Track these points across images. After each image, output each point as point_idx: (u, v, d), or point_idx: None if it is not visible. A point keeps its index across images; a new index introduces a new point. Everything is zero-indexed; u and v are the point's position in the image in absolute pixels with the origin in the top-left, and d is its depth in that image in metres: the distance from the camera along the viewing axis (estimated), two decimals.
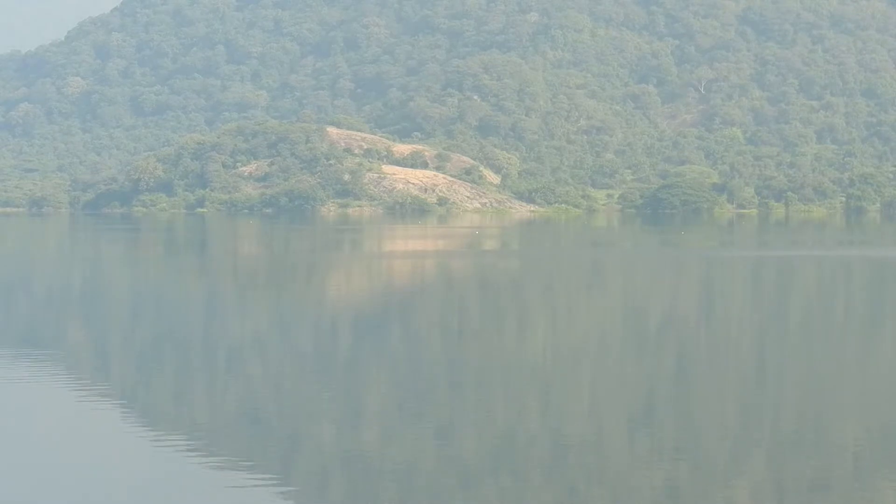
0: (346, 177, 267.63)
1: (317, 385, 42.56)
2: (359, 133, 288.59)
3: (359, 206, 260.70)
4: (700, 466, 29.57)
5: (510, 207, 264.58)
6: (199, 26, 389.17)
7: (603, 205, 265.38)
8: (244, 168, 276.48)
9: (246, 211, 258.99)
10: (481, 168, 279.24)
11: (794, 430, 34.24)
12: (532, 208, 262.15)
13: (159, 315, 67.39)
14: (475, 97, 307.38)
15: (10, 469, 29.56)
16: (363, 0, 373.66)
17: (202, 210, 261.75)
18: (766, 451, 31.30)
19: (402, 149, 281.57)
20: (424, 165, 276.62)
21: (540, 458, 30.59)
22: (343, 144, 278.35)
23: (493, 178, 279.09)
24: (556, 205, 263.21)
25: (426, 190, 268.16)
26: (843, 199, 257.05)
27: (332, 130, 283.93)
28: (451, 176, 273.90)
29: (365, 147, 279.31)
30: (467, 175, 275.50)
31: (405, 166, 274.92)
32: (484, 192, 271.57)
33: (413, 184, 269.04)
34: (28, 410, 37.44)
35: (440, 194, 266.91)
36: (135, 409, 37.41)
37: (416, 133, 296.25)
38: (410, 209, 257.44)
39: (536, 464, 29.97)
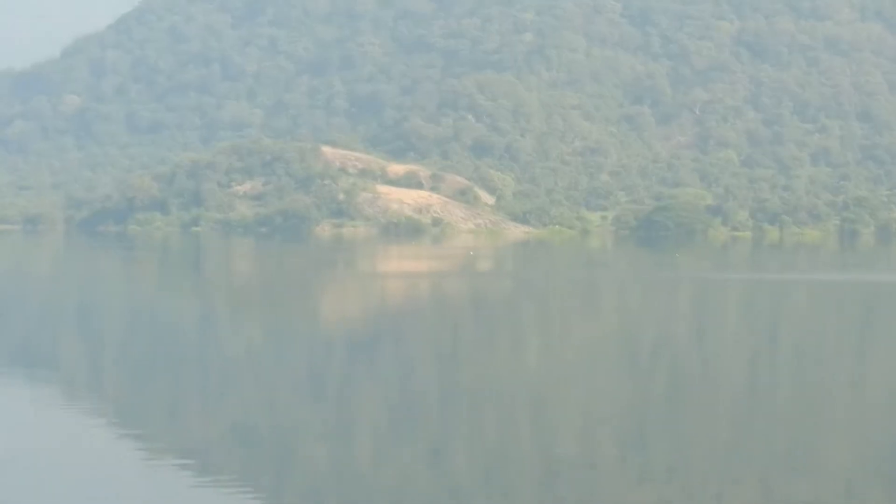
0: (341, 196, 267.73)
1: (310, 404, 42.67)
2: (353, 153, 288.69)
3: (353, 226, 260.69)
4: (692, 487, 29.70)
5: (504, 228, 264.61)
6: (195, 43, 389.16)
7: (597, 226, 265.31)
8: (239, 187, 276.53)
9: (241, 230, 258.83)
10: (476, 189, 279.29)
11: (785, 451, 34.36)
12: (526, 229, 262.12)
13: (153, 334, 67.43)
14: (470, 117, 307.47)
15: (8, 485, 29.63)
16: (358, 19, 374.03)
17: (197, 229, 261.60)
18: (757, 473, 31.42)
19: (396, 169, 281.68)
20: (419, 186, 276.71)
21: (531, 478, 30.69)
22: (338, 164, 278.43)
23: (488, 199, 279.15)
24: (551, 226, 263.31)
25: (420, 210, 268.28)
26: (838, 222, 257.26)
27: (327, 150, 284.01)
28: (445, 196, 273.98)
29: (360, 167, 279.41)
30: (462, 196, 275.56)
31: (400, 186, 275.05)
32: (478, 213, 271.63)
33: (407, 204, 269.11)
34: (23, 428, 37.51)
35: (434, 215, 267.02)
36: (128, 426, 37.48)
37: (410, 153, 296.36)
38: (405, 229, 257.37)
39: (527, 484, 30.07)
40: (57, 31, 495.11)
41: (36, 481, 30.07)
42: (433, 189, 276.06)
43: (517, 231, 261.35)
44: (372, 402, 43.31)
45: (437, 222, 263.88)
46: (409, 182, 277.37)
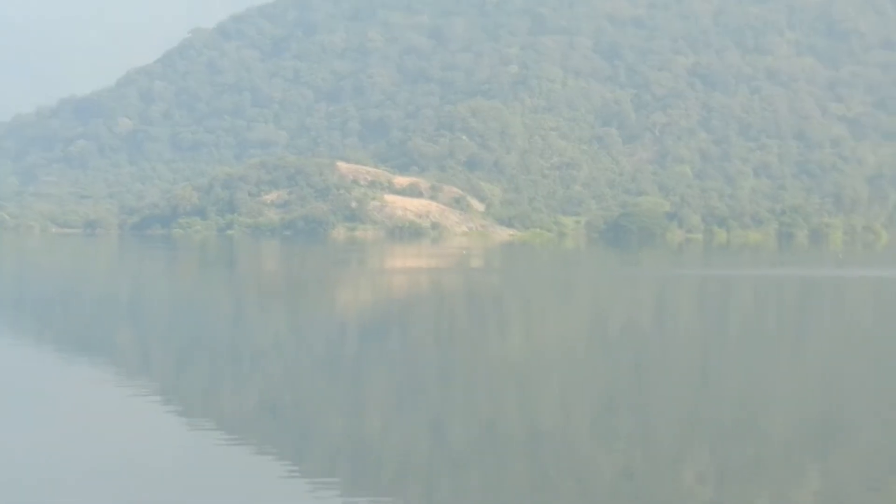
0: (354, 204, 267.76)
1: (326, 380, 42.55)
2: (364, 167, 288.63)
3: (364, 229, 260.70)
4: (653, 451, 29.57)
5: (492, 231, 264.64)
6: (229, 75, 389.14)
7: (572, 230, 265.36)
8: (267, 196, 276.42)
9: (268, 233, 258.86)
10: (468, 197, 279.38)
11: (732, 421, 34.27)
12: (511, 232, 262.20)
13: (194, 320, 67.33)
14: (463, 137, 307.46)
15: (61, 450, 29.53)
16: (368, 54, 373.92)
17: (231, 232, 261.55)
18: (708, 440, 31.32)
19: (401, 181, 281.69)
20: (420, 195, 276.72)
21: (516, 445, 30.58)
22: (351, 177, 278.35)
23: (479, 206, 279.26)
24: (532, 229, 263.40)
25: (421, 216, 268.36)
26: (776, 226, 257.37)
27: (341, 165, 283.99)
28: (442, 204, 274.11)
29: (369, 179, 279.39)
30: (456, 203, 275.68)
31: (403, 196, 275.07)
32: (470, 218, 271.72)
33: (410, 211, 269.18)
34: (80, 403, 37.41)
35: (433, 220, 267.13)
36: (171, 399, 37.37)
37: (413, 167, 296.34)
38: (408, 232, 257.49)
39: (513, 449, 29.97)
40: (112, 63, 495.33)
41: (93, 444, 29.97)
42: (432, 198, 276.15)
43: (503, 234, 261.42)
44: (380, 378, 43.19)
45: (435, 226, 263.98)
46: (412, 192, 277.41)
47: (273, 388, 40.67)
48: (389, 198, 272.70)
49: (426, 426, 33.38)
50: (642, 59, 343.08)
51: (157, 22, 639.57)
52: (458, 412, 35.68)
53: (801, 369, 46.87)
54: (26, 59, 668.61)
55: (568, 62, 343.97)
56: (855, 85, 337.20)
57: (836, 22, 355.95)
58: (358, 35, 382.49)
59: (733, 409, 36.33)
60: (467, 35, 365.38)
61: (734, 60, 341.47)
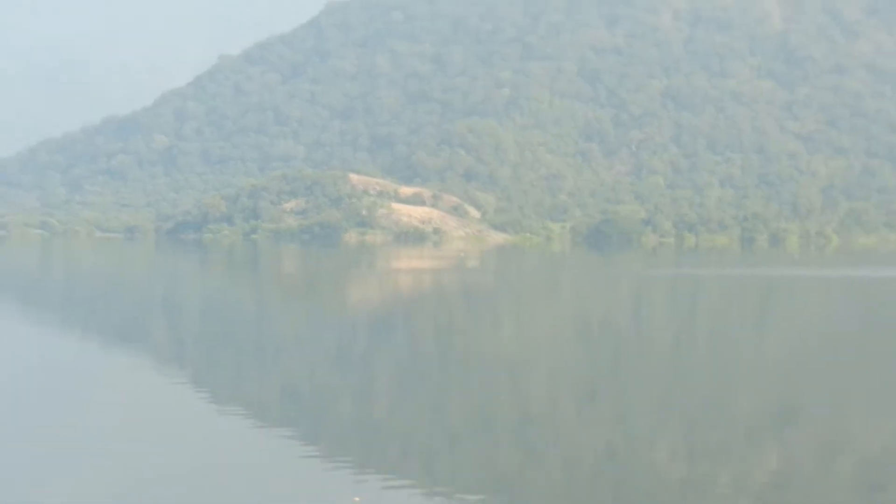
0: (364, 212, 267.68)
1: (339, 367, 42.56)
2: (373, 178, 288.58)
3: (373, 234, 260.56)
4: (631, 431, 29.57)
5: (487, 236, 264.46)
6: (253, 96, 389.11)
7: (558, 234, 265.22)
8: (286, 204, 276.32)
9: (288, 237, 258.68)
10: (466, 205, 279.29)
11: (701, 405, 34.29)
12: (504, 237, 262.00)
13: (222, 314, 67.38)
14: (461, 152, 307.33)
15: (107, 430, 29.55)
16: (376, 78, 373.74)
17: (255, 237, 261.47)
18: (679, 422, 31.32)
19: (405, 191, 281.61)
20: (422, 203, 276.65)
21: (506, 425, 30.58)
22: (361, 187, 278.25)
23: (475, 213, 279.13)
24: (522, 234, 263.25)
25: (424, 222, 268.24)
26: (739, 231, 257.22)
27: (353, 176, 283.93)
28: (442, 211, 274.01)
29: (378, 189, 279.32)
30: (455, 211, 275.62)
31: (408, 204, 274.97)
32: (468, 224, 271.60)
33: (414, 217, 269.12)
34: (119, 388, 37.45)
35: (434, 226, 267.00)
36: (202, 383, 37.37)
37: (416, 179, 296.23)
38: (412, 237, 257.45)
39: (504, 428, 29.96)
40: (149, 86, 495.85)
41: (128, 421, 30.00)
42: (433, 206, 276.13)
43: (497, 238, 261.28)
44: (386, 366, 43.20)
45: (436, 231, 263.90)
46: (415, 201, 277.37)
47: (292, 374, 40.69)
48: (395, 206, 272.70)
49: (427, 408, 33.39)
50: (620, 83, 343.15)
51: (189, 46, 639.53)
52: (456, 396, 35.69)
53: (762, 358, 46.88)
54: (72, 80, 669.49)
55: (554, 85, 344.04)
56: (809, 105, 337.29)
57: (792, 50, 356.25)
58: (367, 61, 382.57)
59: (702, 395, 36.35)
60: (464, 61, 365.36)
61: (702, 83, 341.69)
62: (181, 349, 49.34)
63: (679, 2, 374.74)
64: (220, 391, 36.47)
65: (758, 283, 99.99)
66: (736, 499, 22.92)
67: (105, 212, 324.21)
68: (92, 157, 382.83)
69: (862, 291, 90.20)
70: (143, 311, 69.47)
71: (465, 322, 62.53)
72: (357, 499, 22.36)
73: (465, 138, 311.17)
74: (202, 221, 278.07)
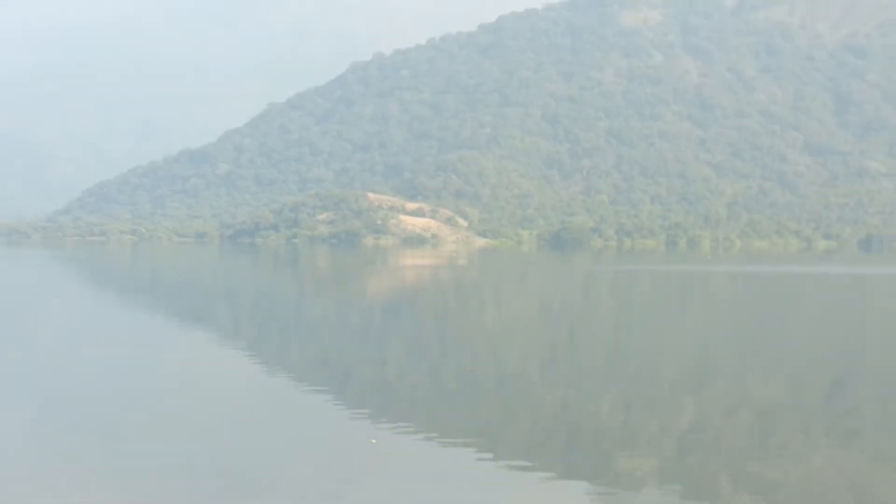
0: (378, 222, 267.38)
1: (358, 341, 42.51)
2: (386, 196, 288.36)
3: (385, 239, 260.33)
4: (581, 389, 29.54)
5: (473, 240, 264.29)
6: (294, 134, 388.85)
7: (526, 239, 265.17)
8: (319, 216, 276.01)
9: (320, 241, 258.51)
10: (456, 217, 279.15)
11: (635, 369, 34.18)
12: (486, 241, 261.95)
13: (269, 300, 67.33)
14: (454, 176, 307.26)
15: (187, 391, 29.42)
16: (389, 120, 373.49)
17: (295, 241, 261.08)
18: (618, 382, 31.26)
19: (410, 206, 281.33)
20: (423, 215, 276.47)
21: (488, 383, 30.57)
22: (376, 203, 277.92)
23: (463, 223, 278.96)
24: (500, 239, 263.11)
25: (424, 230, 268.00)
26: (665, 236, 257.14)
27: (370, 195, 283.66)
28: (439, 221, 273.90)
29: (389, 205, 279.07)
30: (448, 221, 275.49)
31: (412, 216, 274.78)
32: (458, 231, 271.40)
33: (417, 226, 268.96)
34: (190, 358, 37.40)
35: (432, 232, 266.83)
36: (251, 354, 37.31)
37: (419, 196, 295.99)
38: (415, 241, 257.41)
39: (486, 386, 29.95)
40: (214, 126, 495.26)
41: (196, 377, 29.90)
42: (432, 217, 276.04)
43: (480, 242, 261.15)
44: (396, 337, 43.15)
45: (433, 237, 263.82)
46: (418, 213, 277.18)
47: (322, 344, 40.66)
48: (403, 217, 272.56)
49: (427, 371, 33.36)
50: (574, 124, 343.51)
51: (246, 95, 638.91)
52: (450, 361, 35.66)
53: (682, 332, 46.86)
54: (156, 120, 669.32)
55: (524, 125, 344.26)
56: (718, 141, 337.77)
57: (705, 98, 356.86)
58: (381, 107, 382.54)
59: (635, 360, 36.31)
60: (455, 107, 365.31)
61: (636, 124, 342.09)
62: (239, 324, 49.27)
63: (619, 62, 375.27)
64: (266, 357, 36.45)
65: (678, 276, 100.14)
66: (661, 439, 22.93)
67: (181, 222, 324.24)
68: (171, 181, 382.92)
69: (758, 282, 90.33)
70: (210, 297, 69.44)
71: (456, 305, 62.54)
72: (374, 440, 22.33)
73: (456, 166, 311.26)
74: (255, 229, 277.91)
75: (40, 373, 31.99)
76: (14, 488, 18.86)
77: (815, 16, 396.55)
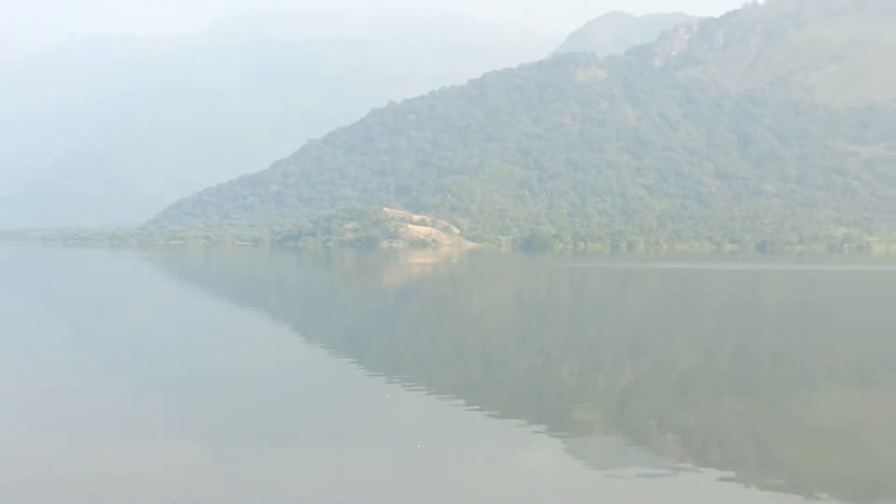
0: (392, 230, 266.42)
1: (376, 323, 42.38)
2: (398, 210, 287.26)
3: (397, 243, 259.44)
4: (546, 357, 29.47)
5: (464, 244, 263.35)
6: (327, 162, 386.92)
7: (504, 244, 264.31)
8: (347, 225, 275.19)
9: (347, 245, 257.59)
10: (451, 226, 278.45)
11: (584, 340, 34.02)
12: (474, 245, 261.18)
13: (307, 290, 67.13)
14: (449, 195, 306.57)
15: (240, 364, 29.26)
16: (400, 152, 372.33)
17: (328, 244, 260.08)
18: (575, 352, 31.13)
19: (416, 217, 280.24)
20: (426, 225, 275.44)
21: (475, 353, 30.47)
22: (390, 216, 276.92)
23: (456, 231, 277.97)
24: (484, 243, 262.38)
25: (426, 236, 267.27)
26: (610, 241, 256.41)
27: (385, 210, 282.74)
28: (438, 229, 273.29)
29: (399, 217, 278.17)
30: (445, 229, 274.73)
31: (418, 226, 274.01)
32: (452, 237, 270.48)
33: (421, 233, 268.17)
34: (248, 334, 37.26)
35: (433, 238, 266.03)
36: (294, 327, 37.19)
37: (422, 210, 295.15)
38: (420, 245, 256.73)
39: (473, 355, 29.85)
40: (266, 157, 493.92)
41: (253, 346, 29.77)
42: (432, 226, 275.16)
43: (469, 245, 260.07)
44: (405, 317, 43.04)
45: (434, 241, 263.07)
46: (422, 223, 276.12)
47: (347, 322, 40.55)
48: (410, 227, 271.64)
49: (429, 342, 33.28)
50: (541, 155, 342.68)
51: (290, 129, 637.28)
52: (446, 335, 35.59)
53: (622, 312, 46.76)
54: (222, 151, 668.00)
55: (503, 156, 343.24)
56: (650, 169, 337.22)
57: (640, 136, 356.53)
58: (394, 143, 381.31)
59: (587, 336, 36.12)
60: (450, 142, 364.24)
61: (588, 156, 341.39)
62: (284, 307, 49.16)
63: (575, 109, 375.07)
64: (306, 332, 36.34)
65: (620, 272, 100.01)
66: (606, 395, 22.93)
67: (241, 229, 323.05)
68: (234, 198, 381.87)
69: (680, 276, 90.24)
70: (264, 286, 69.27)
71: (452, 292, 62.43)
72: (388, 395, 22.32)
73: (451, 187, 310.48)
74: (297, 235, 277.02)
75: (142, 340, 31.93)
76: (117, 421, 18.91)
77: (723, 74, 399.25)
